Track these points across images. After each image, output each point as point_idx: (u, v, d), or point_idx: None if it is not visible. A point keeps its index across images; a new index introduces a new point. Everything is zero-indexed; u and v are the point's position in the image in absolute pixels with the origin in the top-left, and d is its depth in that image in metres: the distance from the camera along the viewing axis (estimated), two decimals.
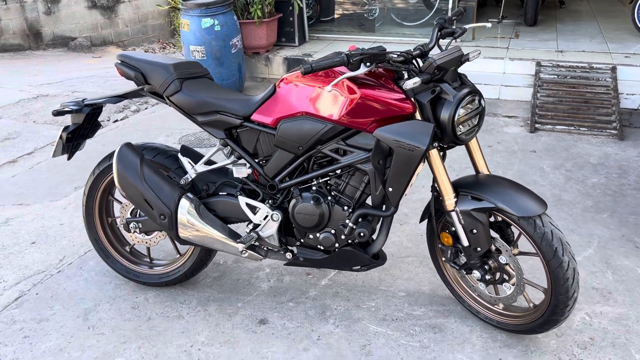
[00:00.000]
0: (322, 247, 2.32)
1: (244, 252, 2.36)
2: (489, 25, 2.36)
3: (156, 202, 2.28)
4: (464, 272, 2.31)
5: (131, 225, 2.48)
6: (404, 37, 6.41)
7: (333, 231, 2.28)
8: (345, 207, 2.25)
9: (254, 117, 2.27)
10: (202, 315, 2.50)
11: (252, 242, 2.30)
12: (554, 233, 2.00)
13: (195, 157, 2.47)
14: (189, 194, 2.34)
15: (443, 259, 2.36)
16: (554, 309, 2.07)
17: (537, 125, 4.54)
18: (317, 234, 2.30)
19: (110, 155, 2.53)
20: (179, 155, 2.39)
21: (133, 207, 2.55)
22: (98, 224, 2.66)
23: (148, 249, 2.69)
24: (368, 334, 2.36)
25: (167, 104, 2.40)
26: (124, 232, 2.61)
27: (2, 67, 7.58)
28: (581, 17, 7.31)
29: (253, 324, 2.44)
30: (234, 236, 2.37)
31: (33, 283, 2.76)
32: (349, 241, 2.28)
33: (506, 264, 2.18)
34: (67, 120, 2.55)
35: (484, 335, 2.34)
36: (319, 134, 2.16)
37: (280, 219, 2.29)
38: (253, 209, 2.33)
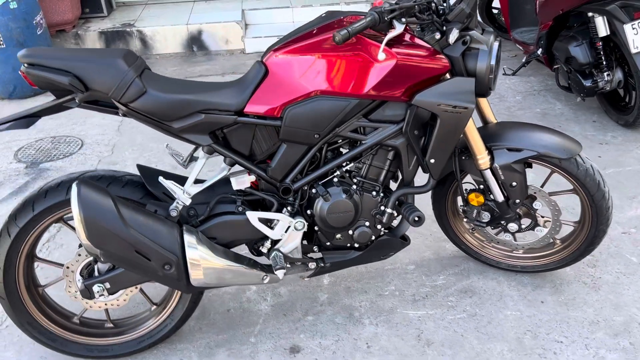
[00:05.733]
0: (356, 245, 1.98)
1: (265, 277, 1.89)
2: None
3: (155, 249, 1.64)
4: (491, 228, 2.21)
5: (95, 288, 1.77)
6: None
7: (367, 223, 1.95)
8: (374, 193, 1.93)
9: (248, 108, 1.76)
10: None
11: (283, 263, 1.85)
12: (593, 167, 2.01)
13: (159, 176, 1.85)
14: (187, 226, 1.75)
15: (465, 219, 2.22)
16: (593, 239, 2.11)
17: None
18: (350, 232, 1.95)
19: (27, 204, 1.76)
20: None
21: (84, 264, 1.84)
22: (28, 302, 1.87)
23: (106, 311, 2.00)
24: (413, 322, 2.14)
25: (117, 114, 1.72)
26: (75, 300, 1.88)
27: None
28: None
29: (286, 357, 2.01)
30: (248, 262, 1.88)
31: None
32: (383, 229, 1.99)
33: (536, 209, 2.14)
34: None
35: (512, 284, 2.31)
36: (341, 115, 1.77)
37: (304, 227, 1.87)
38: (269, 223, 1.86)
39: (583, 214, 2.11)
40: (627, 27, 3.02)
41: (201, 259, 1.71)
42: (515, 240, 2.26)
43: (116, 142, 3.62)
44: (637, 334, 2.04)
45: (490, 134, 2.04)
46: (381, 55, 1.63)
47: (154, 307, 2.03)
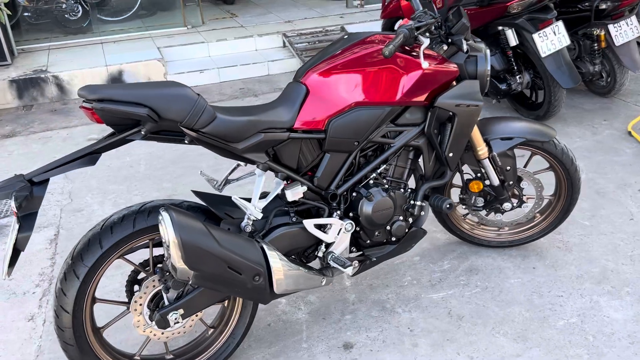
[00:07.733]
0: (394, 239, 2.19)
1: (323, 279, 2.03)
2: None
3: (244, 264, 1.71)
4: (485, 212, 2.54)
5: (171, 316, 1.78)
6: (126, 33, 5.78)
7: (401, 217, 2.18)
8: (402, 190, 2.17)
9: (297, 125, 1.92)
10: None
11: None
12: (566, 146, 2.42)
13: (216, 201, 1.93)
14: (260, 239, 1.84)
15: (464, 207, 2.53)
16: (569, 207, 2.53)
17: None
18: (388, 227, 2.16)
19: (93, 242, 1.74)
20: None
21: (151, 296, 1.84)
22: (96, 345, 1.81)
23: (165, 343, 1.98)
24: (439, 303, 2.39)
25: (182, 142, 1.77)
26: (144, 333, 1.86)
27: None
28: None
29: (344, 354, 2.14)
30: (305, 267, 2.00)
31: None
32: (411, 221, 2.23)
33: (522, 188, 2.51)
34: None
35: (504, 258, 2.66)
36: (376, 122, 2.00)
37: (353, 227, 2.05)
38: (322, 228, 2.01)
39: (559, 187, 2.53)
40: (535, 36, 3.61)
41: (282, 268, 1.81)
42: (503, 219, 2.62)
43: (70, 189, 3.46)
44: (614, 279, 2.48)
45: (483, 129, 2.38)
46: (425, 64, 1.90)
47: (211, 330, 2.05)
